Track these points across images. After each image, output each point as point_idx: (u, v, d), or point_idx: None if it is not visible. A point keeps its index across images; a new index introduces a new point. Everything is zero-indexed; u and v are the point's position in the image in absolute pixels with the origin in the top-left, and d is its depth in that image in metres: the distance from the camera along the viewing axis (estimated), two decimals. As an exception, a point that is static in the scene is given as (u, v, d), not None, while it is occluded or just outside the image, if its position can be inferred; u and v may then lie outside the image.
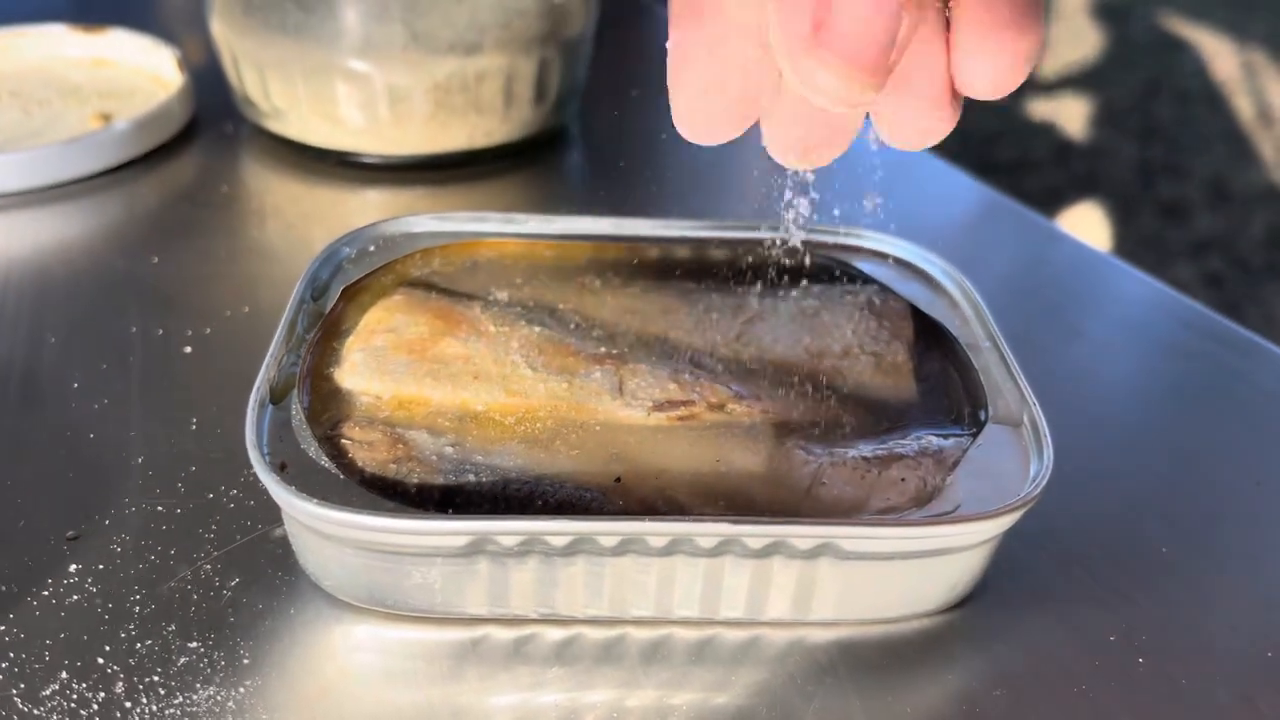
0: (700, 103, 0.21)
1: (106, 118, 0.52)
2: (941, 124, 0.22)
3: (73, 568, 0.29)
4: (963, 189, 0.54)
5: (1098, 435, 0.37)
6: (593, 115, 0.56)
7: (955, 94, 0.21)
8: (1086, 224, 2.08)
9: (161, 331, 0.39)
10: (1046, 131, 2.40)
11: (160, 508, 0.31)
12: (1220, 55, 2.79)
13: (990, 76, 0.21)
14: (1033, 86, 2.61)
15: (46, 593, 0.28)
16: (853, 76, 0.19)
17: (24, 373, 0.36)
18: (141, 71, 0.56)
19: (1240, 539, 0.33)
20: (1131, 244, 2.05)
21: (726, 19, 0.20)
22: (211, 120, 0.53)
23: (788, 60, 0.19)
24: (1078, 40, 2.82)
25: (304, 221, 0.47)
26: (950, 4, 0.20)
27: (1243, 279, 1.96)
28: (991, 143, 2.31)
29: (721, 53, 0.21)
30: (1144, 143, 2.35)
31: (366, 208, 0.48)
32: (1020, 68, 0.21)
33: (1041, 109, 2.49)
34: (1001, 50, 0.20)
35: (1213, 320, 0.43)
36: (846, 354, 0.33)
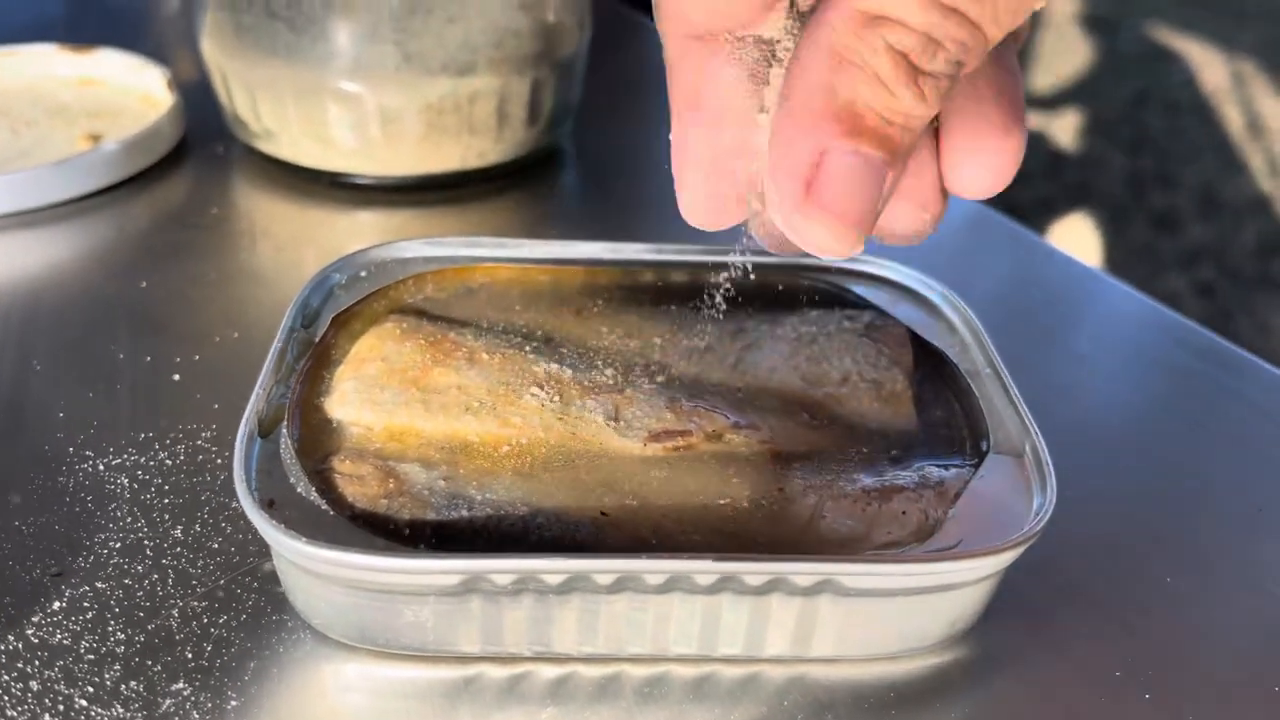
0: (704, 190, 0.22)
1: (95, 138, 0.51)
2: (931, 224, 0.23)
3: (56, 605, 0.28)
4: (953, 205, 0.54)
5: (1096, 460, 0.36)
6: (587, 135, 0.56)
7: (943, 193, 0.22)
8: (1079, 235, 2.08)
9: (150, 358, 0.38)
10: (1037, 143, 2.40)
11: (147, 542, 0.30)
12: (1209, 65, 2.81)
13: (984, 179, 0.22)
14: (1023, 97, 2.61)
15: (30, 631, 0.28)
16: (842, 233, 0.20)
17: (9, 400, 0.36)
18: (131, 91, 0.56)
19: (1243, 567, 0.32)
20: (1123, 254, 2.05)
21: (724, 106, 0.21)
22: (202, 141, 0.53)
23: (780, 215, 0.20)
24: (1067, 51, 2.83)
25: (295, 243, 0.47)
26: (940, 113, 0.21)
27: (1235, 288, 1.97)
28: (983, 154, 2.32)
29: (722, 139, 0.22)
30: (1134, 153, 2.36)
31: (359, 229, 0.48)
32: (1011, 168, 0.22)
33: (1032, 120, 2.49)
34: (995, 154, 0.21)
35: (1208, 339, 0.43)
36: (845, 381, 0.33)
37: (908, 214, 0.22)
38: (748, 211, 0.23)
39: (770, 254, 0.37)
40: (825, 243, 0.20)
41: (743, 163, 0.22)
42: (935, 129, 0.22)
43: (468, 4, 0.44)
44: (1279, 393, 0.40)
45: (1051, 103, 2.56)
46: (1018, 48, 0.23)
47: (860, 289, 0.37)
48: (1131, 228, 2.11)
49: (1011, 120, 0.21)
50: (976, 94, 0.21)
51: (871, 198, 0.20)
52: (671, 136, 0.22)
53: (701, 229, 0.23)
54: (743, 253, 0.27)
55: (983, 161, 0.22)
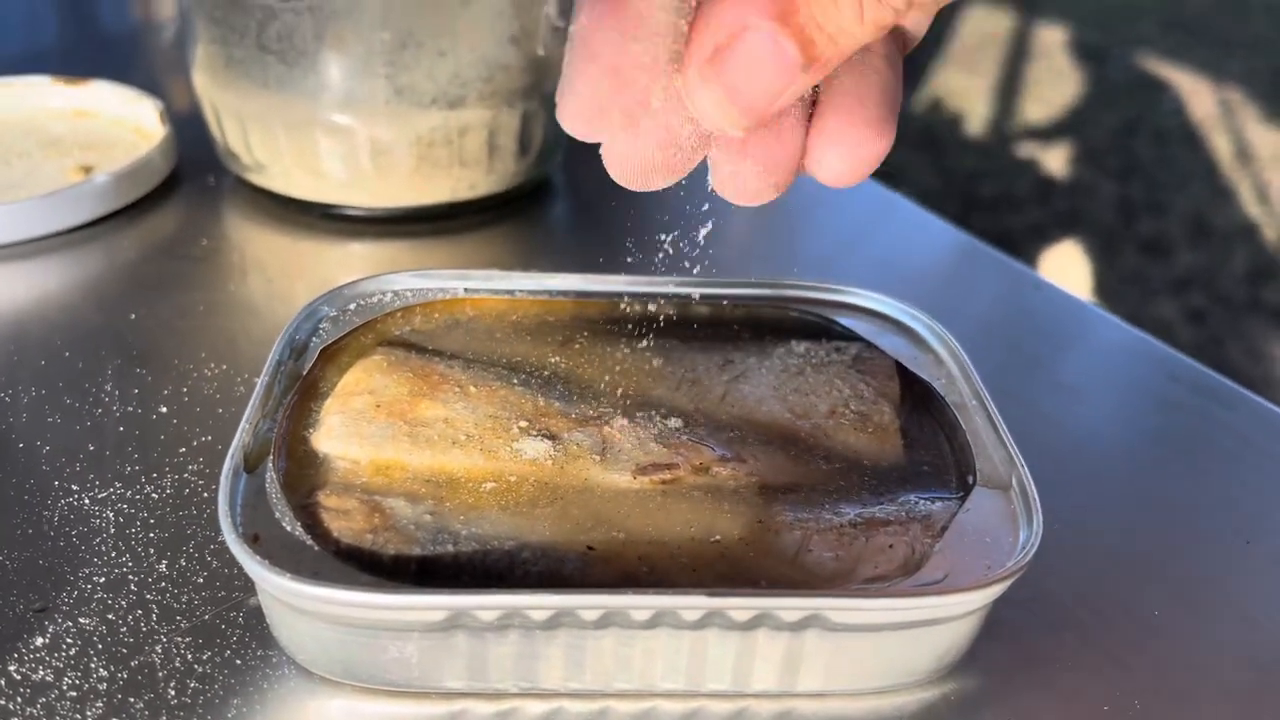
0: (594, 100, 0.21)
1: (87, 170, 0.51)
2: (772, 193, 0.23)
3: (39, 641, 0.28)
4: (942, 236, 0.54)
5: (1085, 492, 0.36)
6: (577, 166, 0.56)
7: (794, 171, 0.22)
8: (1070, 261, 2.09)
9: (137, 390, 0.38)
10: (1028, 169, 2.42)
11: (131, 577, 0.30)
12: (1198, 94, 2.83)
13: (842, 168, 0.22)
14: (1014, 126, 2.64)
15: (12, 668, 0.27)
16: (729, 111, 0.20)
17: (-5, 434, 0.36)
18: (123, 123, 0.56)
19: (1232, 600, 0.32)
20: (1114, 280, 2.06)
21: (643, 14, 0.20)
22: (193, 172, 0.53)
23: (684, 75, 0.20)
24: (1058, 80, 2.86)
25: (285, 275, 0.47)
26: (820, 91, 0.21)
27: (1225, 314, 1.97)
28: (975, 180, 2.33)
29: (630, 49, 0.20)
30: (1124, 180, 2.38)
31: (349, 260, 0.48)
32: (869, 166, 0.22)
33: (1023, 147, 2.51)
34: (860, 146, 0.22)
35: (1197, 370, 0.43)
36: (832, 414, 0.33)
37: (755, 177, 0.22)
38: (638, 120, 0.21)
39: (758, 288, 0.38)
40: (711, 114, 0.20)
41: (646, 80, 0.20)
42: (811, 109, 0.22)
43: (458, 38, 0.45)
44: (1268, 425, 0.40)
45: (1042, 131, 2.58)
46: (905, 53, 0.23)
47: (847, 320, 0.37)
48: (1122, 254, 2.12)
49: (886, 120, 0.22)
50: (860, 85, 0.21)
51: (771, 89, 0.19)
52: (574, 28, 0.20)
53: (573, 135, 0.21)
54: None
55: (847, 153, 0.22)
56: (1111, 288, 2.03)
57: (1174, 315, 1.94)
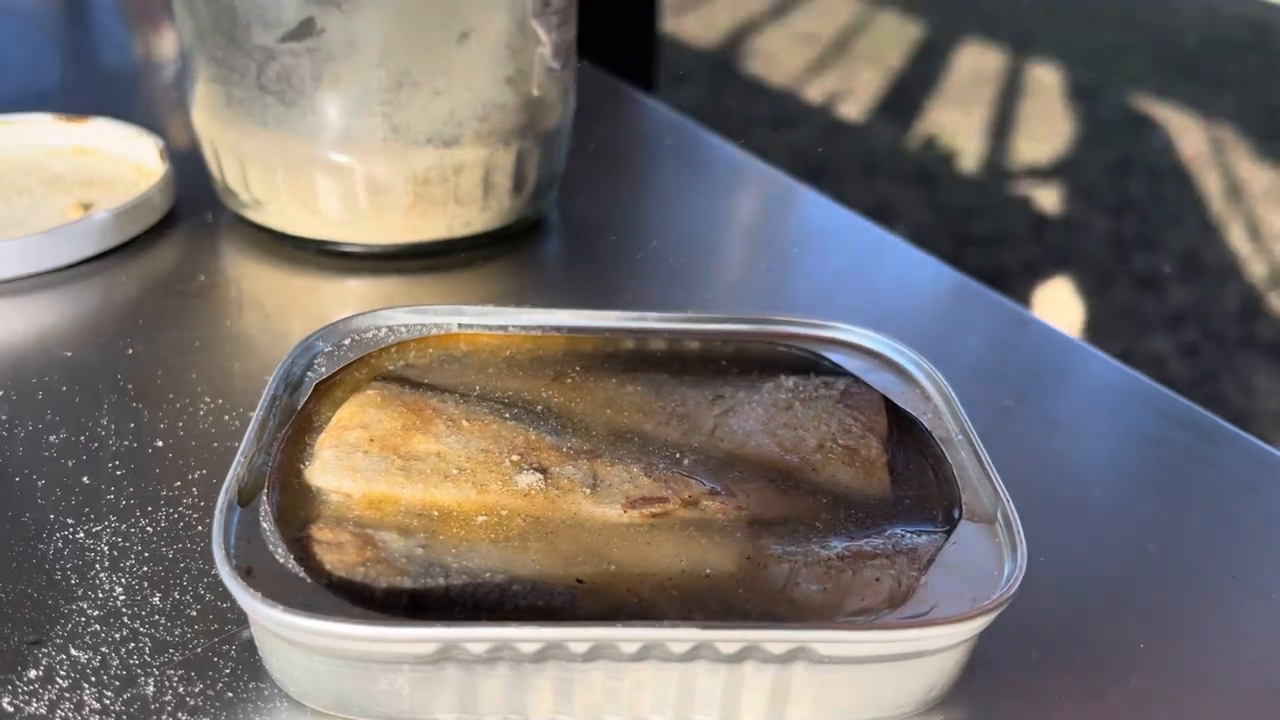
0: None
1: (87, 206, 0.52)
2: None
3: (32, 673, 0.28)
4: (933, 274, 0.55)
5: (1072, 526, 0.37)
6: (571, 203, 0.57)
7: None
8: (1062, 296, 2.11)
9: (133, 425, 0.38)
10: (1021, 206, 2.44)
11: (125, 610, 0.30)
12: (1189, 132, 2.86)
13: None
14: (1007, 163, 2.66)
15: (5, 700, 0.28)
16: None
17: (-8, 468, 0.36)
18: (123, 160, 0.57)
19: (1217, 633, 0.33)
20: (1108, 316, 2.07)
21: None
22: (192, 209, 0.54)
23: None
24: (1050, 118, 2.89)
25: (281, 311, 0.47)
26: None
27: (1218, 350, 1.98)
28: (968, 217, 2.35)
29: None
30: (1116, 217, 2.40)
31: (345, 296, 0.48)
32: None
33: (1016, 184, 2.53)
34: None
35: (1186, 408, 0.44)
36: (820, 448, 0.33)
37: None
38: None
39: (747, 323, 0.38)
40: None
41: None
42: None
43: (454, 78, 0.46)
44: (1256, 462, 0.41)
45: (1035, 167, 2.61)
46: None
47: (836, 356, 0.37)
48: (1115, 290, 2.13)
49: None
50: None
51: None
52: None
53: None
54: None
55: None
56: (1105, 323, 2.04)
57: (1167, 350, 1.95)
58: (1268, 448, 0.41)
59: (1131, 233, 2.35)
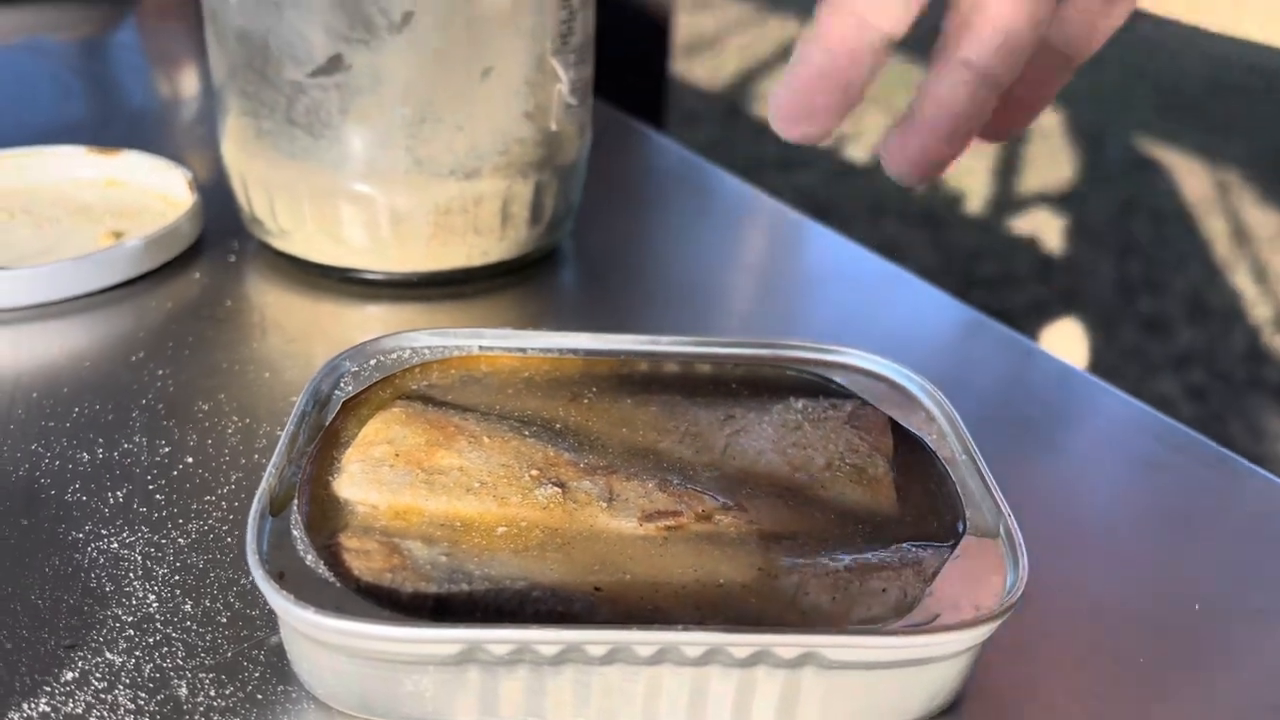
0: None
1: (118, 235, 0.54)
2: (940, 166, 0.27)
3: (68, 675, 0.29)
4: (944, 308, 0.56)
5: (1076, 546, 0.38)
6: (586, 234, 0.58)
7: (967, 139, 0.27)
8: (1070, 337, 2.12)
9: (163, 442, 0.40)
10: (1028, 248, 2.46)
11: (158, 616, 0.32)
12: (1194, 175, 2.89)
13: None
14: (1013, 204, 2.68)
15: (43, 700, 0.29)
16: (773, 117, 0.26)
17: (27, 483, 0.37)
18: (152, 191, 0.59)
19: (1215, 652, 0.34)
20: (1115, 357, 2.08)
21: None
22: (218, 237, 0.56)
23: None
24: (1055, 160, 2.92)
25: (305, 336, 0.49)
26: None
27: (1226, 392, 1.99)
28: (975, 259, 2.37)
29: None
30: (1122, 259, 2.41)
31: (367, 322, 0.50)
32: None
33: (1022, 225, 2.55)
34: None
35: (1188, 436, 0.45)
36: (829, 467, 0.34)
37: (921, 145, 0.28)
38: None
39: (758, 348, 0.39)
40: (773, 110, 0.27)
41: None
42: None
43: (475, 113, 0.47)
44: (1261, 491, 0.42)
45: (1041, 209, 2.63)
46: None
47: (843, 379, 0.39)
48: (1122, 331, 2.14)
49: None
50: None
51: (799, 98, 0.26)
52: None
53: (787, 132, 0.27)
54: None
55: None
56: (1112, 364, 2.05)
57: (1175, 391, 1.96)
58: (1270, 475, 0.42)
59: (1137, 274, 2.37)
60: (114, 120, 0.75)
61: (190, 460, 0.39)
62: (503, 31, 0.47)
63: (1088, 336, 2.18)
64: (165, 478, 0.38)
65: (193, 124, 0.75)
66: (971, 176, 2.83)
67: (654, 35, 1.13)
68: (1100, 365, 2.07)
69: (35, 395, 0.42)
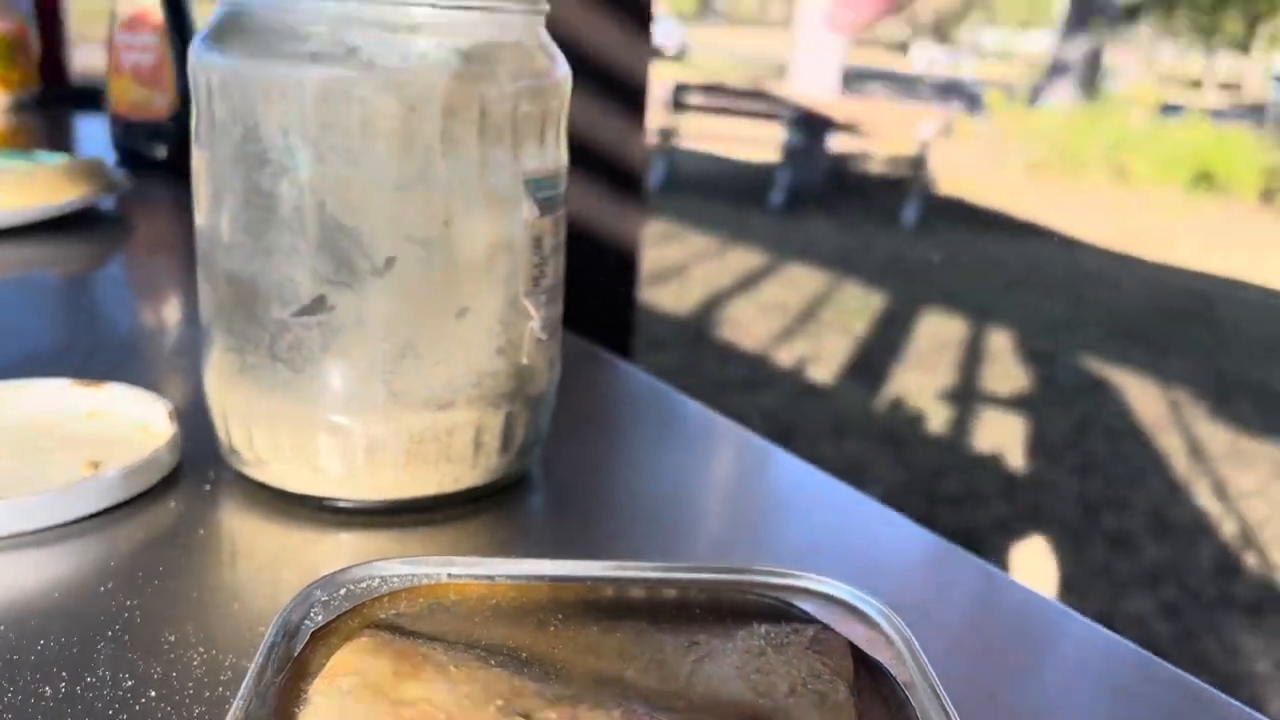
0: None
1: (95, 465, 0.55)
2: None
3: None
4: (909, 535, 0.57)
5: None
6: (554, 460, 0.60)
7: None
8: (1037, 556, 2.12)
9: (126, 676, 0.40)
10: (990, 465, 2.51)
11: None
12: (1145, 394, 2.99)
13: None
14: (972, 423, 2.75)
15: None
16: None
17: (-14, 719, 0.37)
18: (132, 422, 0.60)
19: None
20: (1084, 575, 2.08)
21: None
22: (196, 464, 0.57)
23: None
24: (1009, 380, 3.02)
25: (274, 563, 0.49)
26: None
27: (1198, 609, 1.98)
28: (938, 477, 2.40)
29: None
30: (1083, 476, 2.46)
31: (340, 549, 0.51)
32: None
33: (983, 444, 2.61)
34: None
35: (1158, 665, 0.45)
36: (792, 692, 0.35)
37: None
38: None
39: (721, 573, 0.41)
40: None
41: None
42: None
43: (452, 349, 0.50)
44: None
45: (999, 429, 2.70)
46: None
47: (805, 604, 0.40)
48: (1089, 549, 2.15)
49: None
50: None
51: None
52: None
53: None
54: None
55: None
56: (1082, 582, 2.05)
57: (1147, 609, 1.95)
58: (1242, 706, 0.43)
59: (1098, 492, 2.40)
60: (100, 350, 0.78)
61: (153, 694, 0.39)
62: (478, 276, 0.50)
63: (1055, 554, 2.18)
64: (128, 712, 0.38)
65: (174, 354, 0.78)
66: (930, 397, 2.91)
67: (622, 270, 1.19)
68: (1071, 584, 2.07)
69: (2, 629, 0.42)
